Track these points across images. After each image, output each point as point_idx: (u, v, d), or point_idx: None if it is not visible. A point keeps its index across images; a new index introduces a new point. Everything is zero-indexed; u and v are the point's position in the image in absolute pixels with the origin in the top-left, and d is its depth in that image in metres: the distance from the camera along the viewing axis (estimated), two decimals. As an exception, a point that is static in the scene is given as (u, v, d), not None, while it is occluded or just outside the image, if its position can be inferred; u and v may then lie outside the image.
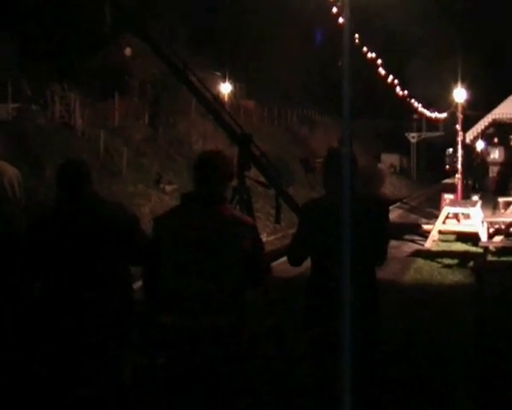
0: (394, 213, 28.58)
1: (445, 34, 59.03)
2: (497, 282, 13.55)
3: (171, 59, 11.18)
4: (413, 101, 47.15)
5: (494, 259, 16.53)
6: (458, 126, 29.63)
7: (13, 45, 32.69)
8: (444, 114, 52.45)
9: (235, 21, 55.10)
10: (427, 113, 53.91)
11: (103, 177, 26.14)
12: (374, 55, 32.02)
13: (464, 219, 20.86)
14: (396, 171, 66.35)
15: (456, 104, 31.10)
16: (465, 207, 21.26)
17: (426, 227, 21.81)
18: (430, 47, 64.53)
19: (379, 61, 33.56)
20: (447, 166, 65.24)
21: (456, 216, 21.21)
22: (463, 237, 19.77)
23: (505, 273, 14.52)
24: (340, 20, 16.31)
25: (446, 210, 20.45)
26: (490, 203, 25.24)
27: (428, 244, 19.44)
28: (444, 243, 19.86)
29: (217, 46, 54.18)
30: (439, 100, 50.56)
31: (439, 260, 16.90)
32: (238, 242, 4.72)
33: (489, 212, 22.95)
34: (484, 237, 18.19)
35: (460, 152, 28.85)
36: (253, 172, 11.27)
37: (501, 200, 24.64)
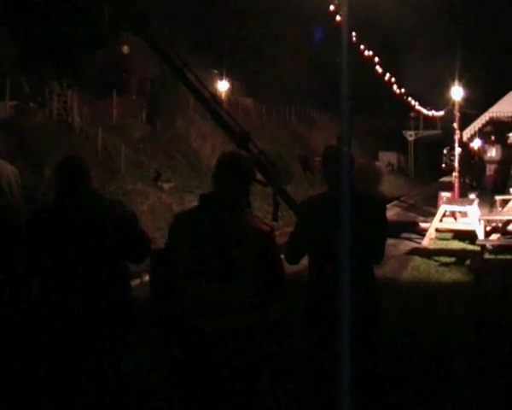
0: (392, 212, 28.62)
1: (443, 32, 59.08)
2: (495, 280, 13.59)
3: (169, 57, 11.22)
4: (410, 99, 47.19)
5: (491, 257, 16.56)
6: (455, 125, 29.67)
7: (11, 43, 32.69)
8: (441, 112, 52.48)
9: (233, 20, 55.06)
10: (425, 111, 53.95)
11: (101, 175, 26.13)
12: (371, 52, 32.07)
13: (461, 217, 20.90)
14: (393, 169, 66.33)
15: (454, 102, 31.16)
16: (462, 205, 21.31)
17: (423, 225, 21.84)
18: (428, 45, 64.50)
19: (376, 59, 33.61)
20: (443, 165, 65.36)
21: (453, 214, 21.24)
22: (460, 235, 19.81)
23: (502, 271, 14.55)
24: (338, 17, 16.34)
25: (443, 208, 20.49)
26: (487, 201, 25.27)
27: (426, 242, 19.48)
28: (441, 241, 19.90)
29: (215, 44, 54.15)
30: (437, 98, 50.60)
31: (437, 258, 16.94)
32: (255, 248, 4.61)
33: (486, 210, 22.97)
34: (481, 235, 18.22)
35: (457, 150, 28.89)
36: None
37: (498, 198, 24.67)
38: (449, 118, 39.61)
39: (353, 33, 26.36)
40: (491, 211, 23.13)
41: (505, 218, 19.47)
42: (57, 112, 32.56)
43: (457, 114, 30.07)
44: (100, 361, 5.27)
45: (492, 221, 19.67)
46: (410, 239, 20.43)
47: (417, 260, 16.99)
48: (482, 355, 8.80)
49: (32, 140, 26.91)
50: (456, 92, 31.21)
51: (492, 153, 37.87)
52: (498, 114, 37.17)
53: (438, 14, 62.22)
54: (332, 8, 21.28)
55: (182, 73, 10.97)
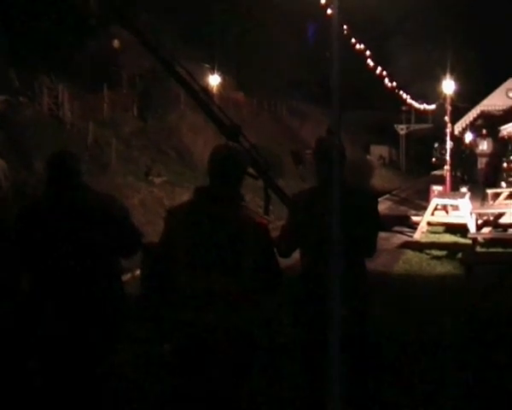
0: (383, 205, 28.64)
1: (434, 25, 59.13)
2: (486, 273, 13.60)
3: (158, 51, 11.17)
4: (402, 92, 47.25)
5: (483, 250, 16.58)
6: (447, 118, 29.72)
7: (1, 37, 32.56)
8: (433, 106, 52.57)
9: (224, 13, 54.97)
10: (416, 104, 54.03)
11: (92, 169, 26.04)
12: (362, 46, 32.07)
13: (453, 210, 20.94)
14: (385, 163, 66.41)
15: (445, 96, 31.20)
16: (454, 198, 21.35)
17: (415, 219, 21.88)
18: (419, 38, 64.53)
19: (367, 53, 33.61)
20: (433, 159, 65.54)
21: (444, 208, 21.29)
22: (452, 228, 19.85)
23: (494, 265, 14.57)
24: (329, 10, 16.28)
25: (435, 202, 20.52)
26: (478, 195, 25.33)
27: (417, 236, 19.51)
28: (432, 235, 19.94)
29: (206, 38, 54.06)
30: (428, 91, 50.66)
31: (428, 251, 16.98)
32: (252, 241, 4.61)
33: (478, 203, 23.03)
34: (472, 229, 18.26)
35: (449, 144, 28.94)
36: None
37: (489, 191, 24.73)
38: (440, 112, 39.68)
39: (344, 26, 26.32)
40: (482, 204, 23.19)
41: (496, 211, 19.52)
42: (48, 106, 32.46)
43: (449, 108, 30.13)
44: (92, 356, 5.24)
45: (484, 215, 19.72)
46: (401, 233, 20.47)
47: (409, 253, 17.02)
48: (473, 347, 8.81)
49: (23, 134, 26.81)
50: (448, 86, 31.24)
51: (484, 146, 37.99)
52: (489, 108, 37.31)
53: (430, 6, 62.22)
54: (323, 0, 21.24)
55: (171, 67, 10.92)
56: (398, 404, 6.94)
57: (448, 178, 28.31)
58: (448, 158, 29.03)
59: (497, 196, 23.64)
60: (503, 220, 19.13)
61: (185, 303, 4.60)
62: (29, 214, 5.32)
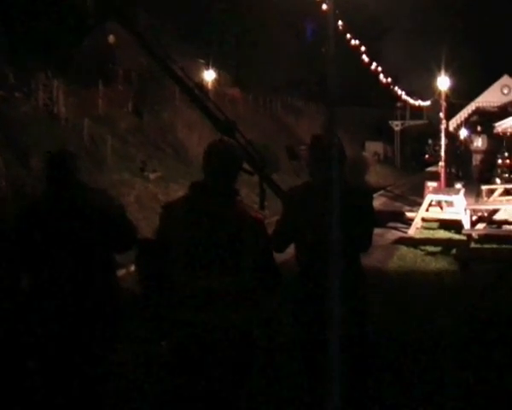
0: (378, 201, 28.65)
1: (430, 22, 59.14)
2: (480, 269, 13.64)
3: (154, 49, 11.16)
4: (396, 88, 47.22)
5: (477, 246, 16.62)
6: (442, 114, 29.74)
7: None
8: (427, 102, 52.58)
9: (223, 11, 54.96)
10: (411, 100, 54.02)
11: (88, 165, 25.99)
12: (357, 42, 32.06)
13: (447, 206, 20.98)
14: (380, 159, 66.40)
15: (440, 92, 31.21)
16: (448, 194, 21.40)
17: (409, 215, 21.91)
18: (415, 34, 64.58)
19: (362, 49, 33.60)
20: (426, 156, 65.56)
21: (439, 204, 21.33)
22: (446, 224, 19.88)
23: (488, 261, 14.60)
24: (324, 6, 16.25)
25: (429, 198, 20.56)
26: (473, 191, 25.38)
27: (412, 232, 19.55)
28: (427, 231, 19.97)
29: (202, 34, 54.01)
30: (423, 87, 50.68)
31: (423, 247, 17.00)
32: (250, 237, 4.61)
33: (472, 199, 23.08)
34: (467, 225, 18.30)
35: (443, 140, 28.96)
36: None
37: (484, 188, 24.79)
38: (435, 108, 39.72)
39: (340, 22, 26.33)
40: (477, 200, 23.25)
41: (491, 207, 19.57)
42: (43, 102, 32.40)
43: (444, 104, 30.14)
44: (91, 354, 5.26)
45: (478, 211, 19.76)
46: (396, 229, 20.49)
47: (403, 249, 17.05)
48: (472, 347, 8.84)
49: (18, 130, 26.76)
50: (443, 82, 31.27)
51: (478, 143, 38.05)
52: (484, 104, 37.32)
53: (425, 2, 62.25)
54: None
55: (167, 66, 10.92)
56: (398, 403, 6.96)
57: (443, 175, 28.34)
58: (443, 154, 29.07)
59: (491, 192, 23.70)
60: (497, 217, 19.18)
61: (183, 301, 4.58)
62: (28, 214, 5.33)
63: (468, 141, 39.81)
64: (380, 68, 39.69)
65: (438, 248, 16.74)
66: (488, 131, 35.36)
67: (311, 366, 5.52)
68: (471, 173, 35.84)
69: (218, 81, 52.28)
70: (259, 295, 4.72)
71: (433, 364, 8.16)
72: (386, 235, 19.10)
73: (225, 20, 55.18)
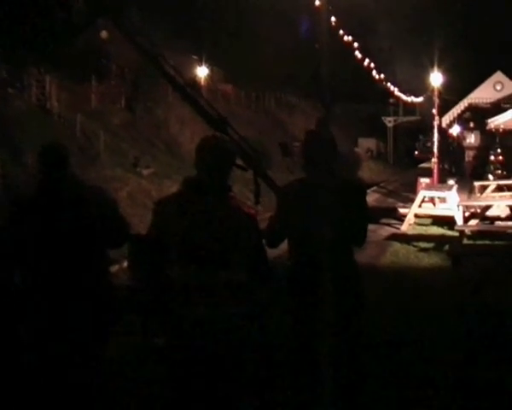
0: (371, 197, 28.68)
1: (423, 17, 59.16)
2: (473, 266, 13.66)
3: (144, 47, 11.14)
4: (389, 85, 47.27)
5: (470, 242, 16.64)
6: (435, 111, 29.77)
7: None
8: (420, 98, 52.65)
9: (213, 6, 54.82)
10: (404, 97, 54.07)
11: (80, 161, 25.98)
12: (350, 38, 32.07)
13: (440, 202, 21.01)
14: (373, 155, 66.47)
15: (433, 88, 31.25)
16: (441, 191, 21.45)
17: (402, 211, 21.91)
18: (408, 30, 64.54)
19: (355, 45, 33.61)
20: (416, 152, 65.61)
21: (432, 200, 21.35)
22: (439, 220, 19.90)
23: (480, 257, 14.63)
24: (317, 2, 16.26)
25: (422, 194, 20.59)
26: (466, 187, 25.42)
27: (405, 228, 19.57)
28: (420, 227, 19.99)
29: (195, 30, 53.90)
30: (416, 83, 50.72)
31: (415, 243, 17.02)
32: (244, 233, 4.62)
33: (465, 196, 23.11)
34: (459, 221, 18.34)
35: (436, 136, 29.01)
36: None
37: (477, 184, 24.84)
38: (428, 104, 39.77)
39: (333, 18, 26.32)
40: (469, 197, 23.28)
41: (484, 203, 19.59)
42: (36, 98, 32.37)
43: (436, 101, 30.19)
44: (82, 349, 5.25)
45: (471, 207, 19.79)
46: (389, 225, 20.50)
47: (396, 245, 17.07)
48: (461, 338, 8.86)
49: (11, 126, 26.74)
50: (436, 78, 31.31)
51: (471, 139, 38.10)
52: (477, 101, 37.37)
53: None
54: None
55: (157, 63, 10.90)
56: (389, 400, 6.97)
57: (435, 171, 28.39)
58: (435, 151, 29.11)
59: (484, 188, 23.75)
60: (490, 213, 19.22)
61: (176, 297, 4.58)
62: (20, 208, 5.31)
63: (461, 137, 39.85)
64: (372, 64, 39.73)
65: (430, 245, 16.76)
66: (481, 127, 35.42)
67: (303, 362, 5.53)
68: (464, 170, 35.88)
69: (210, 77, 52.26)
70: (252, 290, 4.71)
71: (425, 360, 8.17)
72: (379, 231, 19.11)
73: (218, 16, 55.06)
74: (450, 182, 25.56)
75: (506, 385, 7.26)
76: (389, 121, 70.73)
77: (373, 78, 41.16)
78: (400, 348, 8.55)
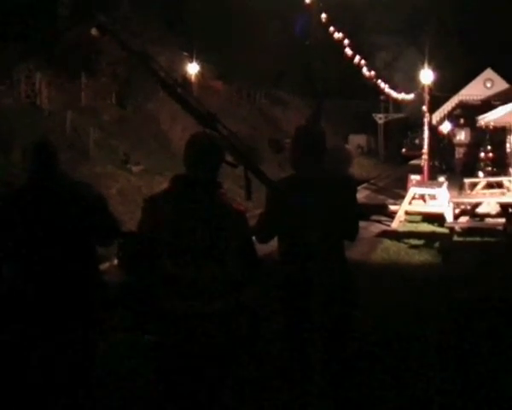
0: (361, 194, 28.71)
1: (413, 14, 59.21)
2: (464, 262, 13.69)
3: (128, 46, 11.07)
4: (380, 81, 47.24)
5: (460, 239, 16.68)
6: (425, 108, 29.79)
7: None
8: (411, 95, 52.63)
9: (204, 2, 54.74)
10: (394, 94, 54.04)
11: (70, 157, 25.90)
12: (341, 34, 32.05)
13: (431, 199, 21.05)
14: (363, 152, 66.50)
15: (423, 85, 31.27)
16: (431, 187, 21.50)
17: (393, 208, 21.97)
18: (399, 27, 64.59)
19: (346, 42, 33.58)
20: (403, 150, 65.59)
21: (422, 197, 21.39)
22: (430, 217, 19.96)
23: (471, 253, 14.66)
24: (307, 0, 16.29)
25: (413, 191, 20.63)
26: (456, 184, 25.46)
27: (395, 225, 19.61)
28: (410, 224, 20.04)
29: (187, 26, 53.83)
30: (407, 80, 50.75)
31: (406, 240, 17.05)
32: (234, 229, 4.64)
33: (455, 193, 23.14)
34: (450, 218, 18.38)
35: (426, 133, 29.05)
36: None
37: (467, 181, 24.88)
38: (419, 101, 39.78)
39: (323, 15, 26.33)
40: (460, 194, 23.31)
41: (474, 200, 19.67)
42: (25, 94, 32.27)
43: (427, 98, 30.21)
44: (72, 346, 5.23)
45: (461, 204, 19.85)
46: (379, 222, 20.54)
47: (387, 242, 17.09)
48: (450, 335, 8.88)
49: (0, 123, 26.65)
50: (426, 75, 31.33)
51: (462, 136, 38.15)
52: (468, 98, 37.40)
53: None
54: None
55: (145, 63, 10.85)
56: (382, 393, 6.98)
57: (426, 168, 28.42)
58: (426, 147, 29.13)
59: (474, 185, 23.80)
60: (480, 210, 19.28)
61: (166, 292, 4.60)
62: (8, 203, 5.30)
63: (452, 134, 39.88)
64: (363, 61, 39.70)
65: (421, 241, 16.79)
66: (471, 124, 35.43)
67: (293, 355, 5.53)
68: (454, 167, 35.93)
69: (202, 74, 52.16)
70: (243, 285, 4.72)
71: (412, 353, 8.18)
72: (369, 228, 19.13)
73: (209, 13, 55.01)
74: (441, 179, 25.63)
75: (496, 380, 7.29)
76: (380, 118, 70.75)
77: (363, 74, 41.13)
78: (391, 345, 8.56)
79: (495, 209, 19.39)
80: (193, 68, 50.55)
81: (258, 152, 36.75)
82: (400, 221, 19.92)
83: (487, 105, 34.34)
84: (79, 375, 5.30)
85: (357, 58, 36.75)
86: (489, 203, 19.55)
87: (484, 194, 21.80)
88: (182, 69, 49.52)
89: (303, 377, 5.39)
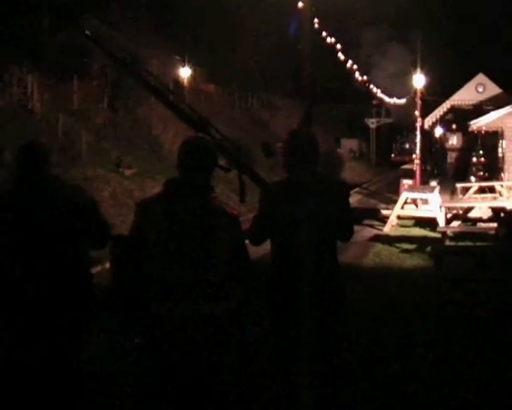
0: (354, 198, 28.76)
1: (405, 18, 59.33)
2: (455, 267, 13.69)
3: (115, 55, 11.04)
4: (372, 86, 47.36)
5: (452, 244, 16.69)
6: (417, 112, 29.86)
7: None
8: (403, 100, 52.73)
9: (196, 6, 54.79)
10: (387, 98, 54.18)
11: (62, 160, 25.87)
12: (333, 39, 32.10)
13: (423, 204, 21.08)
14: (355, 156, 66.61)
15: (415, 90, 31.35)
16: (423, 192, 21.52)
17: (385, 212, 21.98)
18: (391, 31, 64.70)
19: (338, 46, 33.65)
20: (392, 155, 65.63)
21: (414, 201, 21.42)
22: (422, 222, 19.98)
23: (462, 258, 14.66)
24: (300, 4, 16.24)
25: (405, 195, 20.65)
26: (448, 189, 25.52)
27: (387, 229, 19.61)
28: (402, 228, 20.06)
29: (179, 30, 53.90)
30: (399, 85, 50.85)
31: (398, 244, 17.07)
32: (226, 233, 4.63)
33: (447, 197, 23.21)
34: (442, 223, 18.40)
35: (418, 137, 29.12)
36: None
37: (459, 185, 24.94)
38: (409, 105, 39.90)
39: (316, 20, 26.33)
40: (452, 198, 23.37)
41: (466, 205, 19.68)
42: (17, 97, 32.23)
43: (419, 102, 30.29)
44: (61, 348, 5.21)
45: (453, 208, 19.87)
46: (371, 226, 20.55)
47: (379, 246, 17.10)
48: (442, 338, 8.88)
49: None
50: (418, 80, 31.41)
51: (454, 141, 38.28)
52: (460, 102, 37.51)
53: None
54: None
55: (132, 70, 10.84)
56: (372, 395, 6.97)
57: (418, 172, 28.49)
58: (418, 152, 29.21)
59: (466, 190, 23.84)
60: (472, 214, 19.31)
61: (156, 296, 4.60)
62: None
63: (444, 139, 39.99)
64: (355, 66, 39.80)
65: (413, 246, 16.81)
66: (463, 129, 35.55)
67: (281, 359, 5.52)
68: (446, 171, 36.02)
69: (193, 77, 52.19)
70: (231, 288, 4.71)
71: (404, 357, 8.18)
72: (361, 232, 19.14)
73: (201, 17, 55.07)
74: (433, 183, 25.67)
75: (486, 382, 7.30)
76: (372, 123, 70.93)
77: (355, 79, 41.23)
78: (383, 349, 8.56)
79: (486, 214, 19.44)
80: (185, 72, 50.57)
81: (251, 154, 36.77)
82: (392, 226, 19.94)
83: (479, 110, 34.47)
84: (66, 378, 5.27)
85: (349, 63, 36.85)
86: (481, 208, 19.60)
87: (476, 198, 21.85)
88: (174, 73, 49.56)
89: (288, 385, 5.39)
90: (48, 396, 5.21)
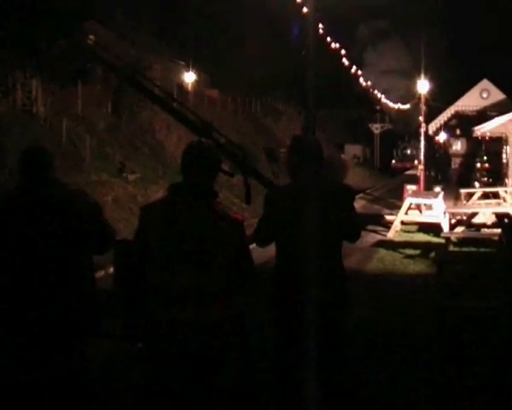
0: (357, 204, 28.62)
1: (410, 25, 59.36)
2: (459, 273, 13.66)
3: (115, 66, 11.05)
4: (376, 92, 47.40)
5: (456, 249, 16.65)
6: (421, 118, 29.86)
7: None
8: (407, 106, 52.78)
9: (200, 11, 54.89)
10: (391, 104, 54.22)
11: (66, 165, 25.88)
12: (337, 45, 32.14)
13: (426, 209, 21.04)
14: (359, 162, 66.60)
15: (420, 96, 31.34)
16: (427, 198, 21.49)
17: (388, 218, 21.95)
18: (395, 37, 64.76)
19: (342, 52, 33.69)
20: (393, 162, 65.39)
21: (418, 207, 21.38)
22: (425, 227, 19.94)
23: (466, 264, 14.63)
24: (305, 9, 16.22)
25: (409, 201, 20.61)
26: (452, 194, 25.49)
27: (391, 235, 19.58)
28: (406, 234, 20.02)
29: (182, 35, 53.96)
30: (403, 91, 50.88)
31: (402, 250, 17.03)
32: (228, 238, 4.63)
33: (451, 203, 23.18)
34: (446, 228, 18.37)
35: (422, 143, 29.11)
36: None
37: (463, 191, 24.91)
38: (415, 111, 39.89)
39: (320, 25, 26.36)
40: (455, 204, 23.35)
41: (470, 211, 19.67)
42: (21, 101, 32.25)
43: (423, 108, 30.29)
44: (64, 354, 5.19)
45: (457, 214, 19.86)
46: (375, 231, 20.52)
47: (382, 252, 17.07)
48: (444, 343, 8.87)
49: (-4, 130, 26.65)
50: (423, 85, 31.41)
51: (457, 146, 38.24)
52: (464, 108, 37.50)
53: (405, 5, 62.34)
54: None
55: (132, 79, 10.83)
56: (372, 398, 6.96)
57: (422, 178, 28.46)
58: (422, 158, 29.19)
59: (470, 195, 23.82)
60: (476, 220, 19.29)
61: (159, 301, 4.59)
62: (0, 209, 5.25)
63: (448, 144, 39.98)
64: (360, 72, 39.82)
65: (417, 251, 16.78)
66: (467, 134, 35.54)
67: (285, 364, 5.51)
68: (450, 177, 35.99)
69: (197, 82, 52.26)
70: (234, 294, 4.72)
71: (406, 363, 8.17)
72: (365, 238, 19.09)
73: (205, 23, 55.15)
74: (437, 189, 25.64)
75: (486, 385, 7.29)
76: (376, 128, 70.93)
77: (360, 84, 41.26)
78: (386, 353, 8.55)
79: (491, 219, 19.41)
80: (189, 77, 50.65)
81: (256, 157, 36.79)
82: (396, 231, 19.90)
83: (483, 115, 34.45)
84: (68, 383, 5.25)
85: (353, 68, 36.87)
86: (485, 213, 19.57)
87: (480, 204, 21.83)
88: (178, 78, 49.62)
89: (295, 385, 5.38)
90: (49, 402, 5.19)
